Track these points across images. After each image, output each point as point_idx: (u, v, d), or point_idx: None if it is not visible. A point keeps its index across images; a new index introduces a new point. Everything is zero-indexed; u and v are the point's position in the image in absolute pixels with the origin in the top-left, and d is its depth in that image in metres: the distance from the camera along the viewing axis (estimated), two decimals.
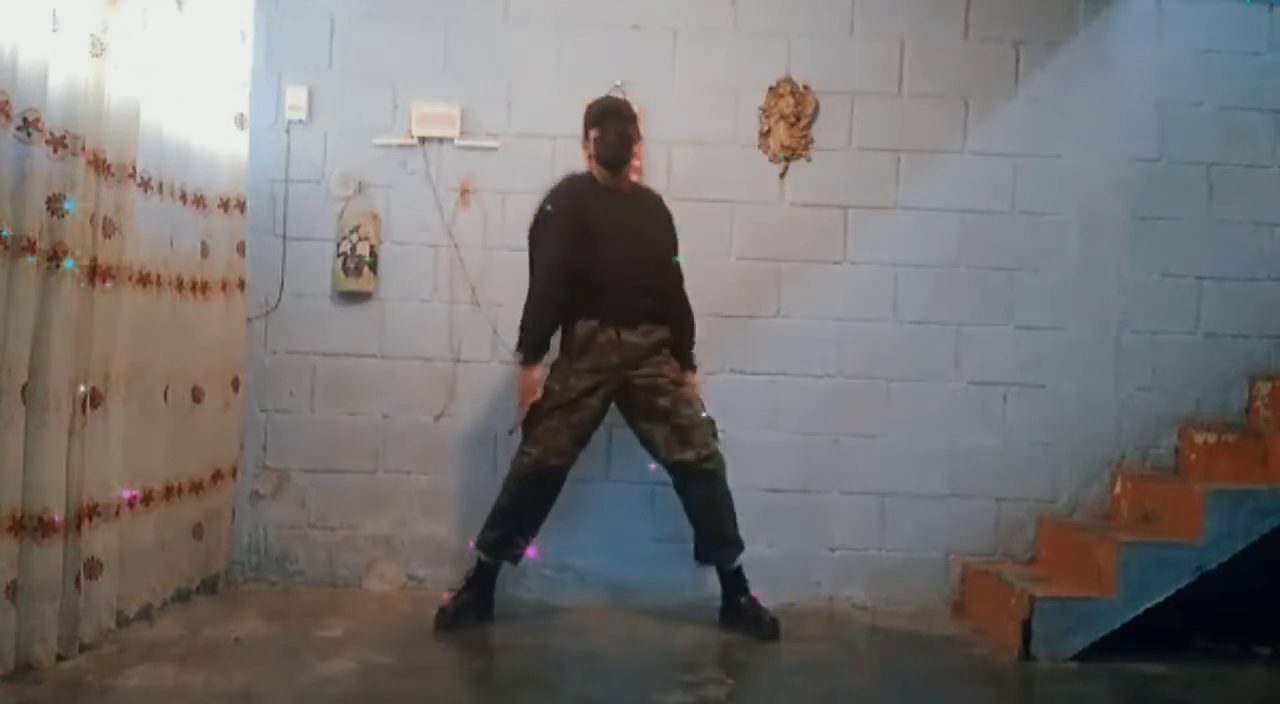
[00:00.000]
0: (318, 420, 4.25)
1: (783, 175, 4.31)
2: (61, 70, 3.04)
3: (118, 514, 3.34)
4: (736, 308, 4.27)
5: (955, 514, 4.27)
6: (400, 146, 4.27)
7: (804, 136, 4.30)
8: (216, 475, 3.98)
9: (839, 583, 4.26)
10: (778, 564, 4.17)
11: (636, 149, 4.00)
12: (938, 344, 4.30)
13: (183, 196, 3.71)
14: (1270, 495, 3.68)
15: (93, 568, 3.24)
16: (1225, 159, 4.33)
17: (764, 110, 4.30)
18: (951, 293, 4.30)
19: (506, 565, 3.88)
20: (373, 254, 4.25)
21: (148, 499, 3.54)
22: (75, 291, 3.10)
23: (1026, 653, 3.60)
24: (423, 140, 4.26)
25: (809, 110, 4.30)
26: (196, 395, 3.82)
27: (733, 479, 3.87)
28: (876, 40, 4.32)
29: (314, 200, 4.25)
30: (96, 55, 3.18)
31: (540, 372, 3.78)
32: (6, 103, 2.84)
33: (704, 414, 3.83)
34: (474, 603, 3.79)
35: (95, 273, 3.21)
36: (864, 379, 4.29)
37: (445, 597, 3.85)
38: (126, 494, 3.40)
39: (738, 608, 3.84)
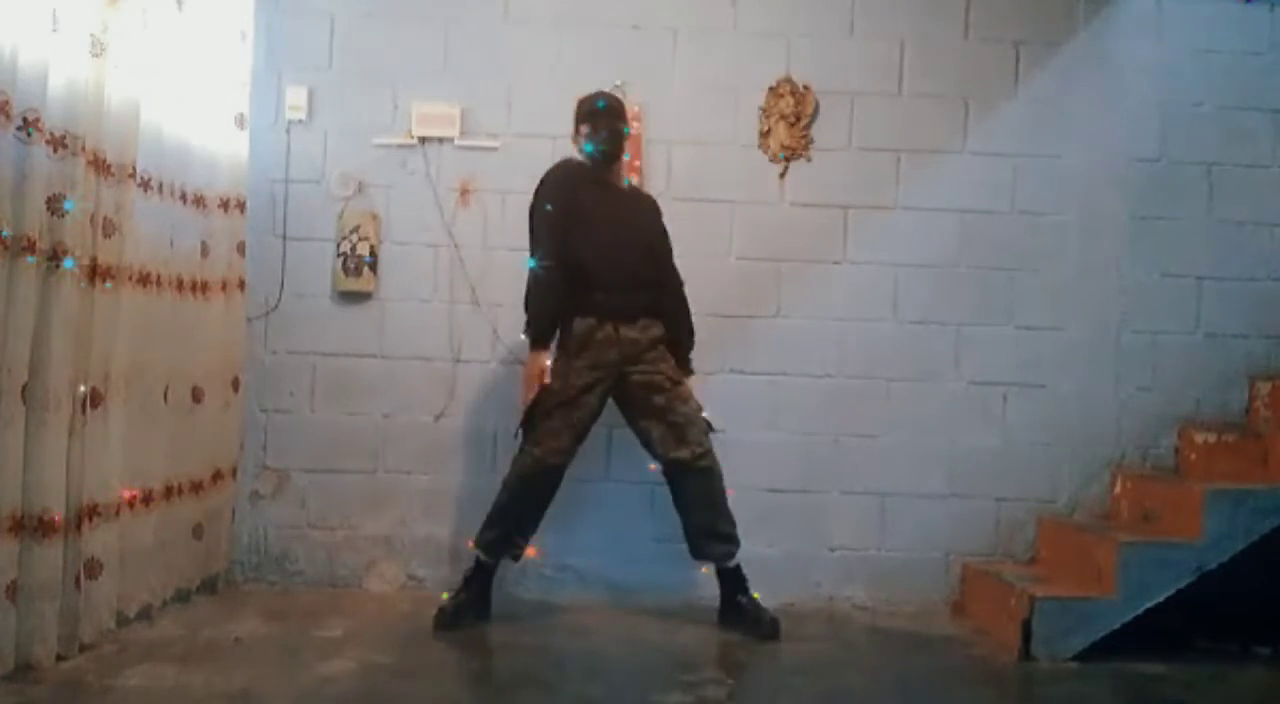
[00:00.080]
0: (318, 420, 4.25)
1: (783, 175, 4.31)
2: (61, 70, 3.04)
3: (118, 514, 3.34)
4: (736, 308, 4.27)
5: (955, 514, 4.28)
6: (400, 146, 4.27)
7: (804, 136, 4.30)
8: (216, 475, 3.98)
9: (839, 583, 4.27)
10: (778, 564, 4.18)
11: (629, 146, 3.99)
12: (938, 344, 4.30)
13: (183, 196, 3.71)
14: (1270, 495, 3.68)
15: (93, 568, 3.24)
16: (1225, 159, 4.33)
17: (764, 110, 4.30)
18: (951, 293, 4.30)
19: (505, 565, 3.88)
20: (373, 254, 4.25)
21: (148, 499, 3.54)
22: (75, 291, 3.10)
23: (1026, 653, 3.61)
24: (423, 140, 4.26)
25: (809, 110, 4.30)
26: (196, 395, 3.82)
27: (733, 479, 3.87)
28: (876, 40, 4.32)
29: (314, 200, 4.26)
30: (96, 55, 3.18)
31: (546, 359, 3.78)
32: (6, 103, 2.84)
33: (701, 412, 3.83)
34: (472, 602, 3.79)
35: (95, 273, 3.21)
36: (864, 379, 4.29)
37: (445, 598, 3.85)
38: (126, 494, 3.40)
39: (737, 608, 3.84)
